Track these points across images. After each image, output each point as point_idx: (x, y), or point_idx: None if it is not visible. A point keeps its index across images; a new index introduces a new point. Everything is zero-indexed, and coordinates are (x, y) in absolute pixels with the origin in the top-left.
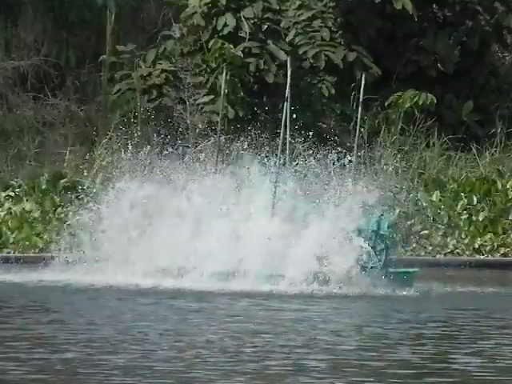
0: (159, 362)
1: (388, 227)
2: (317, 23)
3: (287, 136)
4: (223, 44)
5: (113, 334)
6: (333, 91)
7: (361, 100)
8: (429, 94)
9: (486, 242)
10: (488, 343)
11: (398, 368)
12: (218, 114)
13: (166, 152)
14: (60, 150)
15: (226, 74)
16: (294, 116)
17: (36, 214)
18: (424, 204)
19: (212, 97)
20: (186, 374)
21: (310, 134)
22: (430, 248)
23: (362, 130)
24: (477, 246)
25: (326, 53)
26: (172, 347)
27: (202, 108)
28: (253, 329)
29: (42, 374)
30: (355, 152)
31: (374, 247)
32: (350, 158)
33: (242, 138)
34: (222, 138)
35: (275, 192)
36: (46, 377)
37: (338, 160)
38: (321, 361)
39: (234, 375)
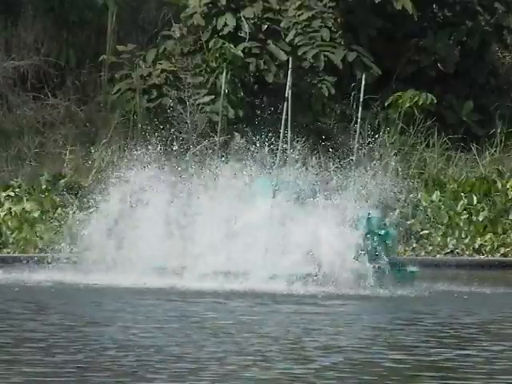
0: (164, 362)
1: (389, 227)
2: (317, 23)
3: (287, 136)
4: (223, 44)
5: (115, 335)
6: (333, 91)
7: (361, 100)
8: (429, 94)
9: (486, 242)
10: (500, 344)
11: (412, 370)
12: (218, 114)
13: (166, 151)
14: (60, 150)
15: (226, 74)
16: (294, 116)
17: (36, 214)
18: (424, 204)
19: (212, 97)
20: (193, 375)
21: (310, 134)
22: (430, 248)
23: (362, 130)
24: (477, 246)
25: (326, 53)
26: (177, 346)
27: (202, 108)
28: (256, 331)
29: (47, 376)
30: (355, 152)
31: (373, 247)
32: (350, 158)
33: (241, 138)
34: (222, 137)
35: (275, 192)
36: (51, 379)
37: (338, 160)
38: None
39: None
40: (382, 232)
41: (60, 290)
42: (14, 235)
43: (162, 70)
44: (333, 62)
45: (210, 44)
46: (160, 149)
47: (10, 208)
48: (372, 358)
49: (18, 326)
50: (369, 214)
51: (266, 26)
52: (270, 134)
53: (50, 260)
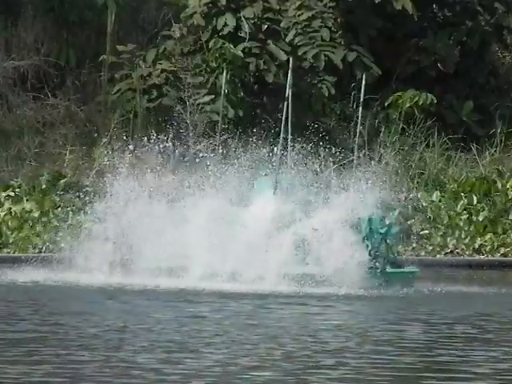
0: (167, 363)
1: (390, 227)
2: (317, 23)
3: (287, 136)
4: (223, 44)
5: (117, 335)
6: (333, 91)
7: (361, 100)
8: (429, 94)
9: (486, 242)
10: (503, 344)
11: (414, 370)
12: (218, 113)
13: (166, 152)
14: (60, 150)
15: (226, 74)
16: (294, 116)
17: (36, 214)
18: (424, 204)
19: (212, 97)
20: (196, 377)
21: (310, 134)
22: (430, 248)
23: (362, 130)
24: (477, 246)
25: (326, 53)
26: (180, 347)
27: (202, 108)
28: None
29: (48, 376)
30: (355, 152)
31: (375, 247)
32: (350, 158)
33: (241, 138)
34: (222, 137)
35: (275, 192)
36: (51, 379)
37: (338, 160)
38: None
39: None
40: (383, 230)
41: (60, 289)
42: (13, 235)
43: (162, 70)
44: (333, 62)
45: (210, 44)
46: (160, 149)
47: (10, 208)
48: (374, 358)
49: (19, 326)
50: (371, 214)
51: (266, 26)
52: (270, 134)
53: (49, 260)
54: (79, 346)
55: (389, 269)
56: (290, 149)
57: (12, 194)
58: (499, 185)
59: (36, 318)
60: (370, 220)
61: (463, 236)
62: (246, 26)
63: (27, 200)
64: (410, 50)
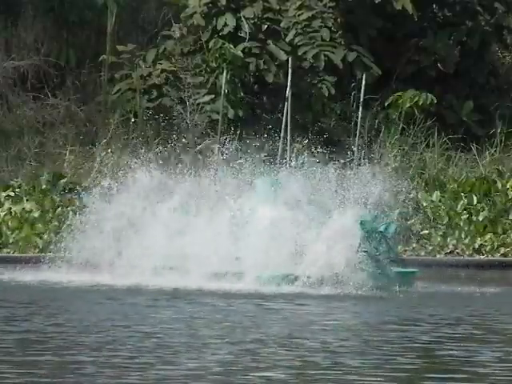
0: (169, 364)
1: (388, 224)
2: (317, 23)
3: (287, 136)
4: (223, 44)
5: (118, 336)
6: (333, 91)
7: (361, 100)
8: (429, 94)
9: (486, 242)
10: (503, 345)
11: (415, 371)
12: (218, 113)
13: (165, 151)
14: (60, 150)
15: (226, 74)
16: (294, 116)
17: (36, 214)
18: (424, 204)
19: (212, 97)
20: (197, 377)
21: (310, 134)
22: (430, 248)
23: (362, 130)
24: (477, 246)
25: (326, 53)
26: (181, 348)
27: (202, 108)
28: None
29: (47, 376)
30: (355, 152)
31: (376, 248)
32: (350, 158)
33: (241, 138)
34: (222, 137)
35: (275, 192)
36: (51, 380)
37: (338, 160)
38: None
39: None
40: (382, 228)
41: (60, 289)
42: (13, 235)
43: (162, 70)
44: (333, 62)
45: (210, 44)
46: (160, 149)
47: (10, 208)
48: (374, 358)
49: (19, 326)
50: (361, 216)
51: (266, 26)
52: (269, 134)
53: (49, 260)
54: (79, 346)
55: (389, 269)
56: (289, 149)
57: (12, 193)
58: (499, 185)
59: (36, 318)
60: (362, 223)
61: (463, 236)
62: (246, 25)
63: (27, 200)
64: (410, 50)
